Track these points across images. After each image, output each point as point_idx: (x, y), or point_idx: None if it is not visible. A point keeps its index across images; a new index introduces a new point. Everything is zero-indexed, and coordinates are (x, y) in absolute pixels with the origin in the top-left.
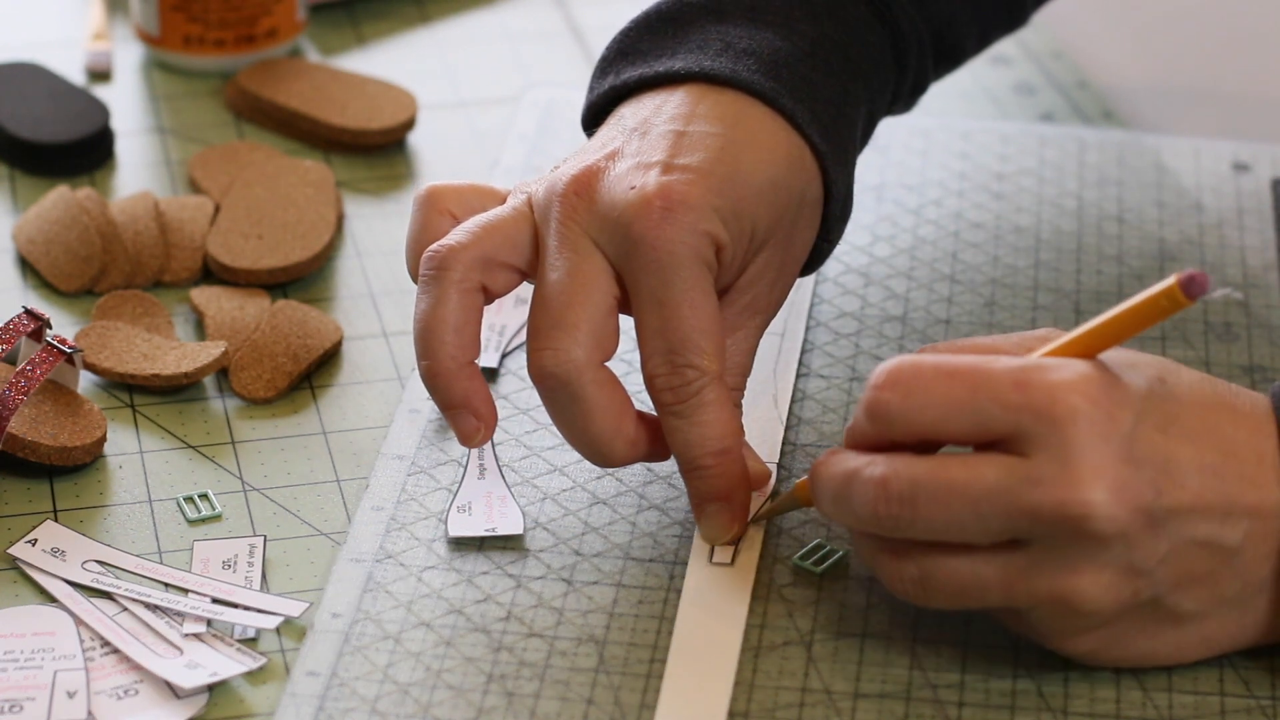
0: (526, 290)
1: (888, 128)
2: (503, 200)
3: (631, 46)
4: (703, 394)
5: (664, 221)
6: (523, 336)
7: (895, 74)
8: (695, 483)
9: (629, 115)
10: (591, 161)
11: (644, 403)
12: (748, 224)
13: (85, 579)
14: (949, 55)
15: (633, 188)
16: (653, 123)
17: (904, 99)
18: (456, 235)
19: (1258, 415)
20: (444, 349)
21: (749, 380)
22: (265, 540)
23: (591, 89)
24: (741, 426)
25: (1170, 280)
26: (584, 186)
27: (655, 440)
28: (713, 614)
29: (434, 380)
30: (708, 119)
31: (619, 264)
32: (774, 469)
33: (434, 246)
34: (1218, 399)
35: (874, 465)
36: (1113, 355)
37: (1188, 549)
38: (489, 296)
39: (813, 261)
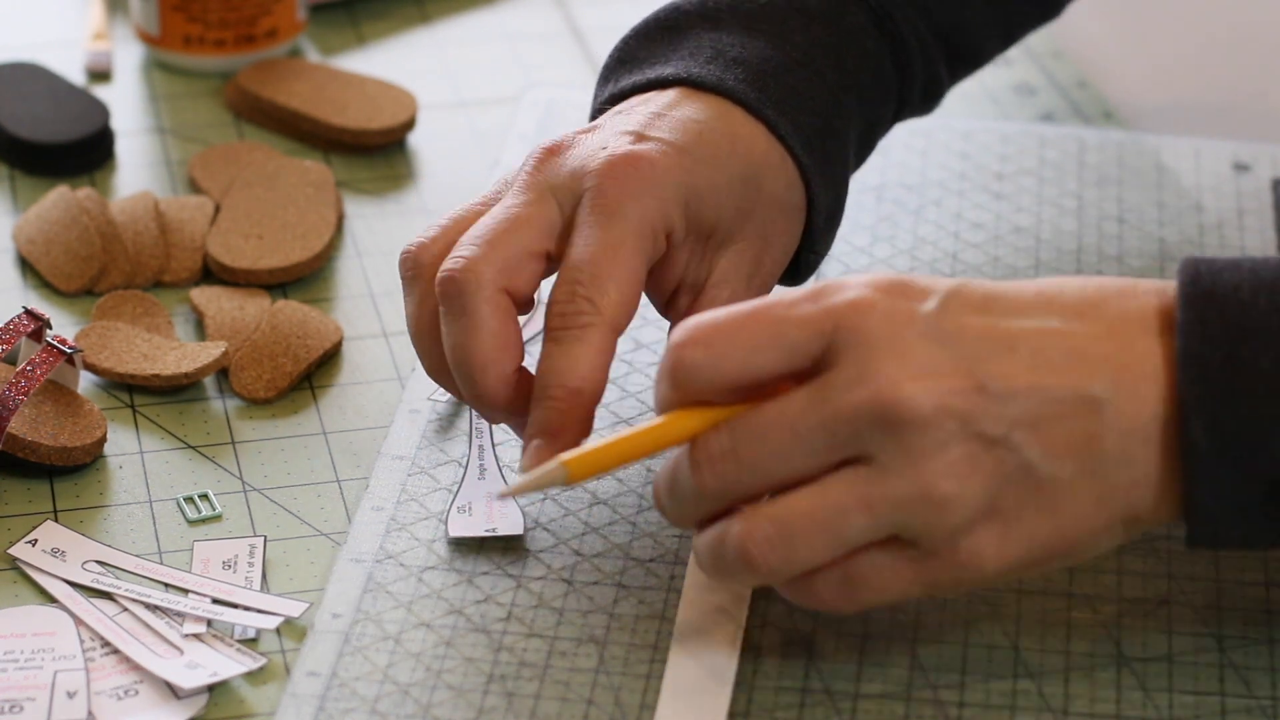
0: None
1: None
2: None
3: (630, 54)
4: (587, 330)
5: (624, 179)
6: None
7: (898, 82)
8: (538, 411)
9: (615, 111)
10: (571, 133)
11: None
12: (710, 212)
13: (85, 579)
14: (966, 58)
15: (604, 148)
16: (635, 108)
17: (915, 105)
18: (465, 249)
19: (1137, 290)
20: (494, 370)
21: None
22: (265, 540)
23: (595, 97)
24: (603, 385)
25: None
26: (558, 147)
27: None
28: (713, 614)
29: (489, 407)
30: (691, 110)
31: (569, 215)
32: None
33: (445, 266)
34: (1065, 283)
35: (688, 448)
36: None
37: (1045, 408)
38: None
39: (800, 272)
